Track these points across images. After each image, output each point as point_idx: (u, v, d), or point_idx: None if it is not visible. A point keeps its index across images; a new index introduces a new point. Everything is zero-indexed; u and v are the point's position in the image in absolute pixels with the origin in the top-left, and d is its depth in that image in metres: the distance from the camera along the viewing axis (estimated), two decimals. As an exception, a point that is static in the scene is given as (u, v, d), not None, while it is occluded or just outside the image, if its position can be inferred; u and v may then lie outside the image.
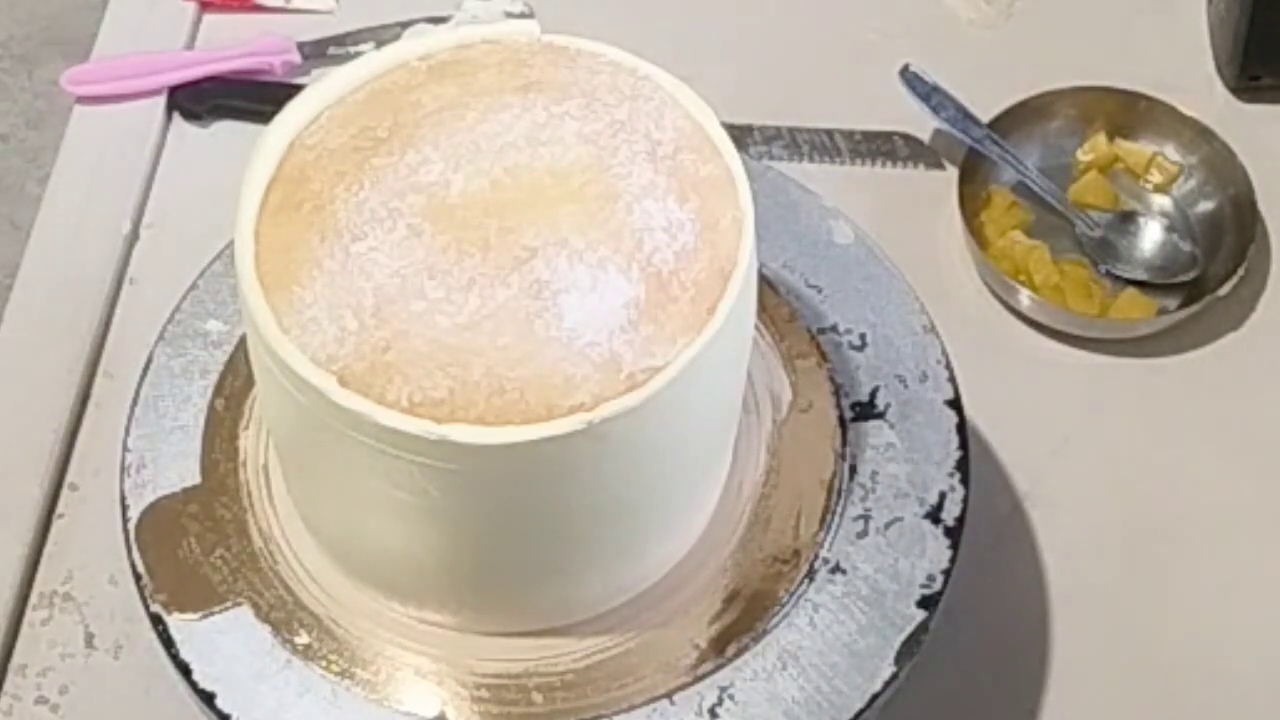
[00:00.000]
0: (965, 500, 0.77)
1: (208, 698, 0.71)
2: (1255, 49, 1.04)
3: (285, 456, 0.73)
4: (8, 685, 0.84)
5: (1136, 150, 1.02)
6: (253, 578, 0.74)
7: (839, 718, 0.71)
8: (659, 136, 0.68)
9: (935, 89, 1.03)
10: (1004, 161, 1.00)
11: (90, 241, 0.99)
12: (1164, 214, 1.01)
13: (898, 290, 0.82)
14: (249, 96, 1.05)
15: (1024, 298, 0.96)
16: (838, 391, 0.79)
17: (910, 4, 1.11)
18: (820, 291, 0.82)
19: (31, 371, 0.93)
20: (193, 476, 0.76)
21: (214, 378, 0.79)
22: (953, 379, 0.80)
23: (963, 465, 0.77)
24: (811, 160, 1.03)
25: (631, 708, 0.71)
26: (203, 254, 0.83)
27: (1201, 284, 0.97)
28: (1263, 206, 0.98)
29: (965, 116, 1.01)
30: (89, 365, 0.94)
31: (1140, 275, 0.98)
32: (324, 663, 0.72)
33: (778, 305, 0.81)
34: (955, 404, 0.79)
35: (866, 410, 0.79)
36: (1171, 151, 1.02)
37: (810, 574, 0.74)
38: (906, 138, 1.04)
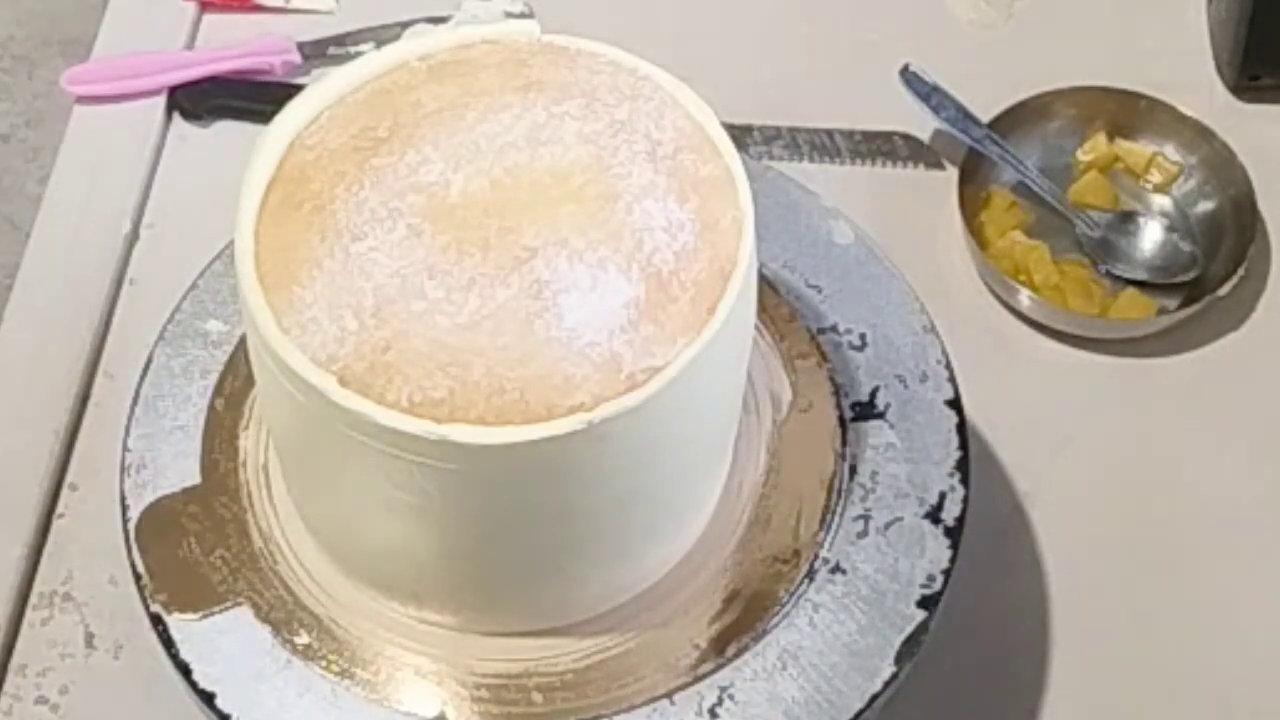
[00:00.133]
0: (965, 500, 0.77)
1: (208, 698, 0.71)
2: (1255, 49, 1.04)
3: (285, 456, 0.73)
4: (8, 685, 0.84)
5: (1136, 150, 1.02)
6: (252, 578, 0.74)
7: (839, 718, 0.71)
8: (659, 136, 0.67)
9: (935, 89, 1.03)
10: (1004, 161, 1.00)
11: (90, 241, 0.99)
12: (1164, 214, 1.01)
13: (898, 290, 0.82)
14: (249, 96, 1.05)
15: (1024, 298, 0.96)
16: (838, 391, 0.79)
17: (910, 4, 1.11)
18: (820, 291, 0.82)
19: (31, 371, 0.93)
20: (193, 476, 0.76)
21: (214, 378, 0.79)
22: (953, 379, 0.80)
23: (963, 465, 0.77)
24: (811, 160, 1.03)
25: (631, 708, 0.71)
26: (203, 254, 0.83)
27: (1201, 284, 0.97)
28: (1263, 206, 0.98)
29: (965, 116, 1.01)
30: (89, 365, 0.94)
31: (1140, 275, 0.98)
32: (324, 663, 0.72)
33: (778, 305, 0.81)
34: (955, 404, 0.79)
35: (866, 410, 0.79)
36: (1171, 151, 1.02)
37: (810, 574, 0.74)
38: (906, 138, 1.04)
